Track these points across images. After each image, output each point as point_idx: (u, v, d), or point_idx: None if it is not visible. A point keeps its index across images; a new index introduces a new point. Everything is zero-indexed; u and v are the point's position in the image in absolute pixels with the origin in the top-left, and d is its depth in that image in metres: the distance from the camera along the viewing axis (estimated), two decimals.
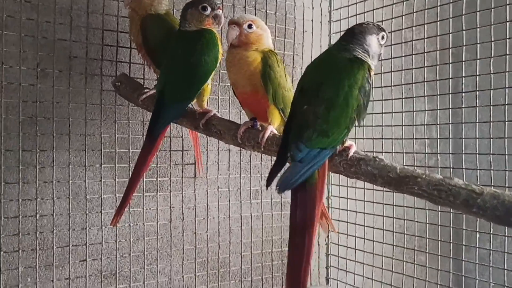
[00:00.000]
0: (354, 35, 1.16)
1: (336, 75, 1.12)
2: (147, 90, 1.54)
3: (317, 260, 2.18)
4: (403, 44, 1.85)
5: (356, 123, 1.14)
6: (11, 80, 1.52)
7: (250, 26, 1.28)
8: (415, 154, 1.82)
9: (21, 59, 1.53)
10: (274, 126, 1.31)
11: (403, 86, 1.85)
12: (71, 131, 1.61)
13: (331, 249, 2.20)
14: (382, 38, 1.17)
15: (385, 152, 1.89)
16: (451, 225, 1.71)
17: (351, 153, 1.12)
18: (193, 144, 1.74)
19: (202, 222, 1.87)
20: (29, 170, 1.55)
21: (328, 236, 2.21)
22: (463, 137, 1.64)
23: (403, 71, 1.85)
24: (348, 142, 1.14)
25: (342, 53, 1.15)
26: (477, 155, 1.60)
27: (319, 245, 2.19)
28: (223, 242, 1.92)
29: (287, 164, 1.13)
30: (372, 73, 1.16)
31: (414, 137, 1.84)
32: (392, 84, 1.88)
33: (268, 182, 1.12)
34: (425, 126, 1.82)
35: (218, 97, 1.87)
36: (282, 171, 1.12)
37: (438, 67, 1.73)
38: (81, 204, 1.63)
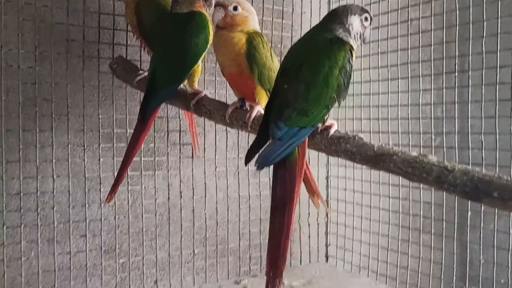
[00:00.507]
0: (336, 16, 1.17)
1: (317, 55, 1.14)
2: (141, 72, 1.58)
3: (316, 238, 2.22)
4: (399, 24, 1.85)
5: (337, 104, 1.16)
6: (10, 63, 1.57)
7: (235, 8, 1.30)
8: (410, 134, 1.83)
9: (20, 42, 1.57)
10: (261, 106, 1.33)
11: (399, 66, 1.86)
12: (70, 112, 1.66)
13: (330, 227, 2.23)
14: (366, 19, 1.18)
15: (382, 133, 1.91)
16: (444, 204, 1.73)
17: (332, 132, 1.15)
18: (188, 125, 1.78)
19: (200, 201, 1.92)
20: (30, 150, 1.61)
21: (327, 215, 2.24)
22: (455, 117, 1.65)
23: (398, 52, 1.85)
24: (329, 121, 1.17)
25: (324, 34, 1.17)
26: (469, 134, 1.60)
27: (318, 223, 2.22)
28: (222, 220, 1.97)
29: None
30: (354, 53, 1.17)
31: (410, 117, 1.84)
32: (390, 64, 1.89)
33: (247, 160, 1.15)
34: (420, 106, 1.82)
35: (215, 78, 1.89)
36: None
37: (432, 47, 1.72)
38: (81, 182, 1.69)
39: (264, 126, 1.16)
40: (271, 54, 1.34)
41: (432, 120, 1.76)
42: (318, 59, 1.13)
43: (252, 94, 1.35)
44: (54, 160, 1.64)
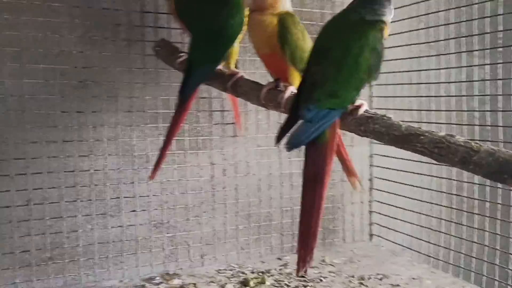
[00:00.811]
0: None
1: (347, 35, 1.14)
2: (182, 54, 1.64)
3: (360, 217, 2.22)
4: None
5: (368, 84, 1.16)
6: (63, 48, 1.67)
7: None
8: (453, 112, 1.78)
9: (70, 28, 1.67)
10: (294, 87, 1.35)
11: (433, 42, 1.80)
12: (118, 94, 1.76)
13: (374, 206, 2.23)
14: None
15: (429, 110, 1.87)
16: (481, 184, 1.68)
17: (361, 112, 1.15)
18: (231, 104, 1.83)
19: (243, 179, 1.98)
20: (83, 130, 1.72)
21: (370, 194, 2.24)
22: (492, 93, 1.59)
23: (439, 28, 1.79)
24: (358, 101, 1.17)
25: (355, 13, 1.16)
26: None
27: (362, 202, 2.23)
28: (265, 198, 2.02)
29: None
30: (385, 32, 1.16)
31: (453, 95, 1.79)
32: (431, 41, 1.83)
33: (278, 140, 1.18)
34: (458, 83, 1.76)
35: (254, 59, 1.92)
36: None
37: (476, 21, 1.65)
38: (130, 160, 1.79)
39: (295, 107, 1.18)
40: (303, 34, 1.35)
41: (477, 98, 1.71)
42: (348, 39, 1.13)
43: (285, 75, 1.37)
44: (105, 139, 1.75)
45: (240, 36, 1.50)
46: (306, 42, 1.36)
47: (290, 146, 1.13)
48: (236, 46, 1.52)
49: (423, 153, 1.04)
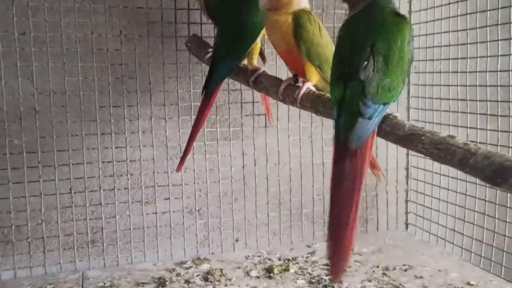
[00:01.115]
0: None
1: (389, 30, 1.13)
2: (211, 49, 1.70)
3: (395, 206, 2.22)
4: None
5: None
6: (100, 47, 1.79)
7: None
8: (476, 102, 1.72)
9: (107, 27, 1.78)
10: (312, 83, 1.37)
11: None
12: (153, 88, 1.85)
13: (411, 195, 2.21)
14: None
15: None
16: None
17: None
18: (262, 96, 1.88)
19: (274, 168, 2.03)
20: (120, 123, 1.84)
21: (407, 183, 2.22)
22: None
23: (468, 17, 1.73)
24: None
25: (388, 8, 1.16)
26: None
27: (397, 191, 2.21)
28: (296, 187, 2.06)
29: None
30: None
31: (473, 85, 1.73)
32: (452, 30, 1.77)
33: None
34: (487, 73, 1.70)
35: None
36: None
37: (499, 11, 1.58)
38: (164, 151, 1.89)
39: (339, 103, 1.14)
40: (320, 30, 1.36)
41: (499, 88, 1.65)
42: (390, 34, 1.13)
43: (302, 71, 1.39)
44: (140, 132, 1.86)
45: (262, 33, 1.54)
46: (323, 38, 1.37)
47: (353, 144, 1.09)
48: (259, 42, 1.56)
49: (425, 153, 1.03)
